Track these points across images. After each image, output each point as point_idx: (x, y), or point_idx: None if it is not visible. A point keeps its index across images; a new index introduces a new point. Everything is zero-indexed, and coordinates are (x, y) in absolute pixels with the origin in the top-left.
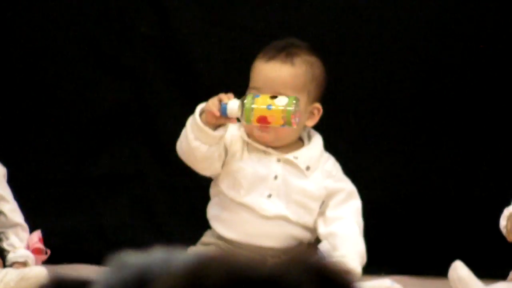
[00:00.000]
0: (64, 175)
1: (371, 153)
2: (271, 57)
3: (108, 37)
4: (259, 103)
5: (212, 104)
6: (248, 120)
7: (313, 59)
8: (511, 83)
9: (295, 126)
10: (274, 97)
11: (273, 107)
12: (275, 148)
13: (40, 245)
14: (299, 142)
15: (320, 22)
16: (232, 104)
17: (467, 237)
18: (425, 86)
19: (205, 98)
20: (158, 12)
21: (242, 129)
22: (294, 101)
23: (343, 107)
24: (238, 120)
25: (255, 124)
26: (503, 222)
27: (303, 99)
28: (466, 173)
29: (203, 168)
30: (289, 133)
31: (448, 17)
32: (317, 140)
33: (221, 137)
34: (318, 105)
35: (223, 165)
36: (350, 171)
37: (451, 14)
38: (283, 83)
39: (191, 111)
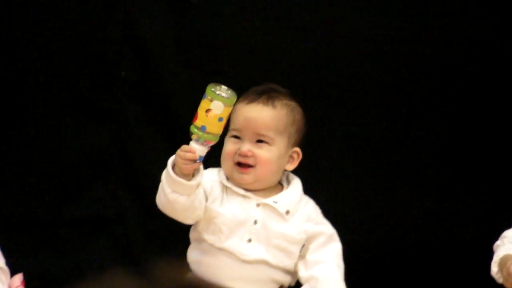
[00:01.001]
0: (44, 217)
1: (351, 196)
2: (252, 100)
3: (88, 80)
4: (212, 128)
5: (185, 164)
6: (217, 138)
7: (293, 104)
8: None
9: (234, 96)
10: (208, 111)
11: (222, 117)
12: (254, 192)
13: None
14: (279, 186)
15: (302, 68)
16: (199, 148)
17: (454, 283)
18: (405, 127)
19: (186, 141)
20: (139, 57)
21: (222, 173)
22: (218, 93)
23: (323, 150)
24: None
25: (222, 131)
26: (494, 268)
27: (284, 142)
28: (451, 215)
29: (185, 218)
30: (269, 176)
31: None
32: (296, 184)
33: (198, 185)
34: (297, 149)
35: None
36: (330, 214)
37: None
38: (264, 124)
39: (171, 154)
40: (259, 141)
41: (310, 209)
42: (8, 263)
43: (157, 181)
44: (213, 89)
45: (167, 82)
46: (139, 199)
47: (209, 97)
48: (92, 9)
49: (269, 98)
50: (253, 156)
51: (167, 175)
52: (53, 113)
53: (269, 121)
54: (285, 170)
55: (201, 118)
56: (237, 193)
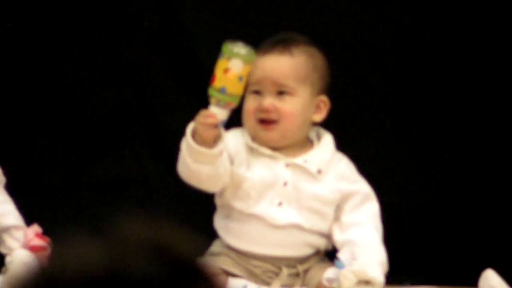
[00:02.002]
0: (66, 180)
1: (390, 153)
2: (268, 50)
3: (108, 33)
4: (232, 89)
5: (205, 130)
6: (239, 99)
7: (312, 50)
8: None
9: (242, 45)
10: (227, 71)
11: (241, 76)
12: (282, 151)
13: (38, 241)
14: (308, 143)
15: (331, 19)
16: (219, 112)
17: (499, 244)
18: (445, 89)
19: None
20: (162, 6)
21: (246, 134)
22: (235, 50)
23: (358, 105)
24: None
25: (243, 91)
26: None
27: (307, 91)
28: (497, 175)
29: (210, 187)
30: (296, 130)
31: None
32: (328, 140)
33: (221, 153)
34: (324, 98)
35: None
36: (367, 173)
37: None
38: (283, 74)
39: (198, 111)
40: (280, 93)
41: (343, 166)
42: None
43: (181, 139)
44: (230, 47)
45: (193, 33)
46: (164, 160)
47: (227, 56)
48: None
49: (286, 46)
50: (276, 110)
51: (187, 145)
52: (73, 70)
53: (288, 70)
54: (314, 124)
55: (220, 79)
56: (264, 154)
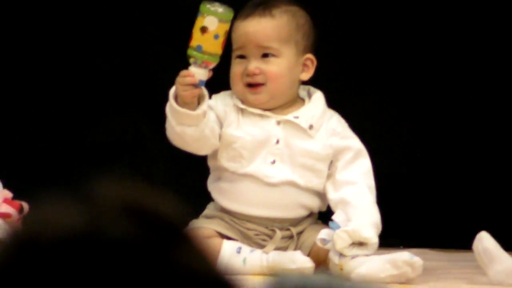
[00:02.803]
0: (62, 144)
1: (383, 117)
2: (249, 14)
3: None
4: (209, 47)
5: (185, 90)
6: (217, 58)
7: (294, 9)
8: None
9: (231, 12)
10: (204, 29)
11: (217, 34)
12: (272, 110)
13: (5, 208)
14: (300, 101)
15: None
16: (197, 72)
17: (493, 207)
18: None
19: None
20: None
21: (235, 97)
22: (212, 9)
23: (351, 65)
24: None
25: (221, 50)
26: None
27: (292, 51)
28: (491, 140)
29: (198, 149)
30: (284, 90)
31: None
32: (318, 97)
33: (204, 114)
34: (310, 56)
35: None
36: (360, 137)
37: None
38: (265, 37)
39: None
40: (265, 55)
41: (335, 122)
42: (24, 190)
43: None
44: (207, 6)
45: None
46: (160, 124)
47: (203, 14)
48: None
49: (266, 8)
50: (261, 73)
51: (170, 107)
52: (69, 35)
53: (270, 31)
54: (303, 82)
55: (196, 38)
56: (254, 114)
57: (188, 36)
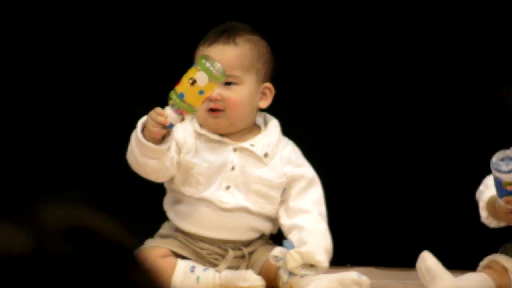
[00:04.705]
0: (20, 164)
1: (332, 138)
2: (213, 41)
3: None
4: (190, 99)
5: (154, 126)
6: (193, 111)
7: (256, 38)
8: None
9: (224, 75)
10: (193, 81)
11: (203, 90)
12: (230, 136)
13: None
14: (256, 128)
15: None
16: (171, 115)
17: (436, 227)
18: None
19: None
20: None
21: (195, 121)
22: (207, 65)
23: (299, 90)
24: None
25: (200, 105)
26: (483, 214)
27: (252, 79)
28: (434, 159)
29: (156, 178)
30: (243, 117)
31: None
32: (274, 125)
33: (168, 149)
34: (269, 85)
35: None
36: (309, 157)
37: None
38: (229, 64)
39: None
40: (227, 83)
41: (289, 150)
42: None
43: (133, 122)
44: (204, 60)
45: None
46: (117, 145)
47: (197, 67)
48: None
49: (230, 36)
50: (223, 99)
51: (136, 138)
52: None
53: (233, 60)
54: (261, 110)
55: (183, 85)
56: (212, 140)
57: (155, 75)
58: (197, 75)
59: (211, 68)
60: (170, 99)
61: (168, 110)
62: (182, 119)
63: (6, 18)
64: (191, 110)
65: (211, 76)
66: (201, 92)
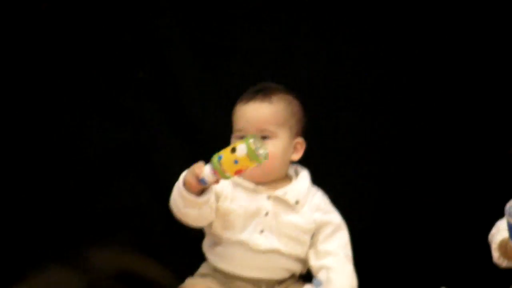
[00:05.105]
0: (70, 211)
1: (357, 187)
2: (249, 99)
3: (109, 83)
4: (226, 163)
5: (190, 178)
6: (226, 178)
7: (289, 97)
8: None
9: (265, 160)
10: (233, 149)
11: (239, 160)
12: (264, 185)
13: None
14: (287, 178)
15: (312, 67)
16: (207, 172)
17: (453, 266)
18: (409, 125)
19: (199, 137)
20: (155, 59)
21: None
22: (251, 140)
23: (330, 142)
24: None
25: (233, 176)
26: (495, 254)
27: (286, 134)
28: (450, 197)
29: (197, 225)
30: (276, 168)
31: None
32: (305, 175)
33: (207, 201)
34: (300, 140)
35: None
36: (336, 204)
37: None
38: (264, 120)
39: (187, 149)
40: (263, 137)
41: (318, 198)
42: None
43: (172, 175)
44: (251, 140)
45: (181, 82)
46: (157, 192)
47: (243, 141)
48: (109, 14)
49: (265, 95)
50: None
51: (178, 190)
52: (78, 114)
53: (269, 116)
54: (292, 162)
55: (225, 150)
56: (248, 188)
57: (177, 117)
58: (239, 146)
59: (253, 146)
60: (212, 158)
61: (206, 167)
62: (217, 181)
63: None
64: (223, 175)
65: (250, 154)
66: (236, 162)
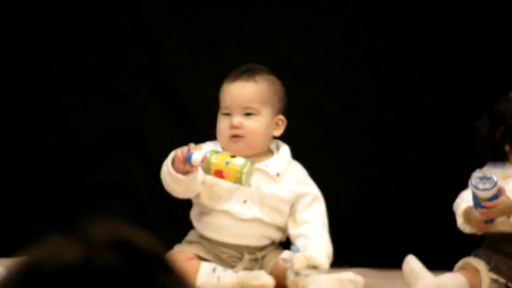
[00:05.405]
0: (65, 185)
1: (335, 163)
2: (235, 78)
3: (102, 65)
4: (219, 159)
5: (180, 152)
6: (206, 171)
7: (272, 77)
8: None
9: (245, 185)
10: (233, 156)
11: (230, 164)
12: (248, 158)
13: None
14: (269, 152)
15: (307, 52)
16: (196, 155)
17: (420, 232)
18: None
19: (190, 118)
20: (148, 40)
21: (218, 147)
22: (248, 163)
23: (307, 119)
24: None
25: (212, 175)
26: (460, 220)
27: (269, 111)
28: (418, 170)
29: (185, 196)
30: (259, 143)
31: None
32: (285, 150)
33: (193, 179)
34: (282, 117)
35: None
36: (316, 179)
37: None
38: (249, 98)
39: (178, 130)
40: (247, 114)
41: (298, 171)
42: (29, 226)
43: (163, 153)
44: (252, 162)
45: (174, 64)
46: (149, 168)
47: (243, 164)
48: (105, 3)
49: (250, 75)
50: (243, 127)
51: (166, 168)
52: (73, 95)
53: (254, 94)
54: (274, 138)
55: (224, 152)
56: None
57: (170, 98)
58: (240, 158)
59: (249, 166)
60: (209, 151)
61: (198, 151)
62: (197, 168)
63: None
64: (208, 164)
65: (244, 166)
66: (226, 163)
